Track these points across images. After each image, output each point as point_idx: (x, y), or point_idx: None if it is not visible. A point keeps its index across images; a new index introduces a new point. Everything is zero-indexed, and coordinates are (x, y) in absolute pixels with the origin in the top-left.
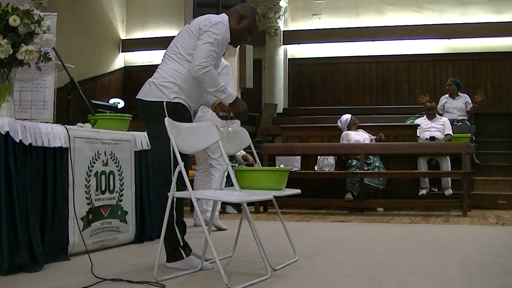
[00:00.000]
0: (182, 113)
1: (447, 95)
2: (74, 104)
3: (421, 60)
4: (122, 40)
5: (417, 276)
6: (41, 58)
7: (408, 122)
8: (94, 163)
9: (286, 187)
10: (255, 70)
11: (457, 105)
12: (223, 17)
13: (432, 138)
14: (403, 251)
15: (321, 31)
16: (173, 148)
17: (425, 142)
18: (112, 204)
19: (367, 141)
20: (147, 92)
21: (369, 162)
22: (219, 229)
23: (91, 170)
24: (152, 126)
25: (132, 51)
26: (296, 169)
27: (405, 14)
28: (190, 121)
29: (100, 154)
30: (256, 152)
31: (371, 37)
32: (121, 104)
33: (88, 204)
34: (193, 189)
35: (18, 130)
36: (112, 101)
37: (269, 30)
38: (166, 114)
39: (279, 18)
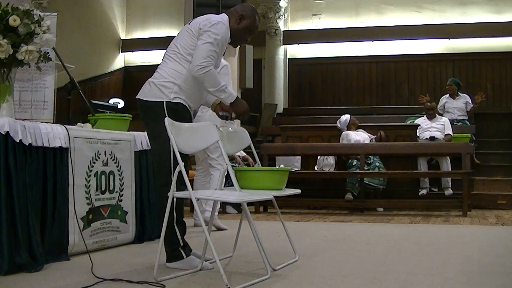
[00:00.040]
0: (182, 113)
1: (447, 95)
2: (74, 104)
3: (421, 60)
4: (122, 40)
5: (417, 276)
6: (41, 58)
7: (408, 122)
8: (94, 163)
9: (286, 187)
10: (255, 70)
11: (457, 105)
12: (223, 17)
13: (432, 138)
14: (403, 251)
15: (321, 31)
16: (173, 148)
17: (425, 142)
18: (112, 204)
19: (367, 141)
20: (147, 92)
21: (369, 162)
22: (219, 229)
23: (91, 170)
24: (152, 126)
25: (132, 51)
26: (296, 169)
27: (405, 14)
28: (190, 121)
29: (100, 154)
30: (256, 152)
31: (371, 37)
32: (121, 104)
33: (88, 204)
34: (192, 189)
35: (18, 130)
36: (112, 101)
37: (269, 30)
38: (166, 114)
39: (279, 18)
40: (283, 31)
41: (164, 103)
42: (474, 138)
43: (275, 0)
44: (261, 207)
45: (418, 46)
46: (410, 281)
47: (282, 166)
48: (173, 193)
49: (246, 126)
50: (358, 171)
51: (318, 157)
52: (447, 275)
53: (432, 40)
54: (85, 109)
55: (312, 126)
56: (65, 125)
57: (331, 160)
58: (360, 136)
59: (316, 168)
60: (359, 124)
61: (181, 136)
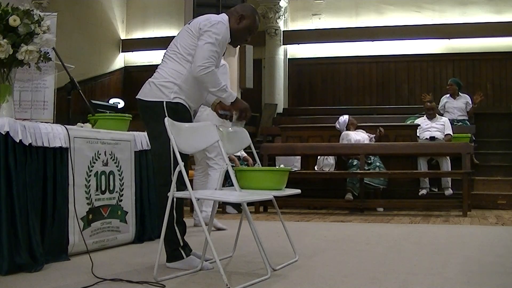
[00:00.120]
0: (182, 113)
1: (448, 95)
2: (74, 104)
3: (421, 60)
4: (122, 40)
5: (417, 276)
6: (41, 58)
7: (408, 122)
8: (94, 163)
9: (286, 187)
10: (255, 70)
11: (458, 105)
12: (223, 17)
13: (432, 138)
14: (403, 251)
15: (321, 31)
16: (173, 148)
17: (425, 142)
18: (112, 204)
19: (367, 141)
20: (147, 92)
21: (369, 162)
22: (218, 229)
23: (91, 170)
24: (152, 126)
25: (132, 51)
26: (296, 169)
27: (405, 14)
28: (190, 121)
29: (100, 154)
30: (256, 152)
31: (371, 37)
32: (121, 104)
33: (88, 204)
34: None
35: (18, 130)
36: (112, 101)
37: (269, 30)
38: (166, 114)
39: (279, 18)
40: (283, 31)
41: (164, 103)
42: (474, 138)
43: (275, 0)
44: (261, 207)
45: (418, 46)
46: (410, 281)
47: (282, 166)
48: (173, 193)
49: (246, 126)
50: (358, 171)
51: (318, 157)
52: (447, 275)
53: (432, 40)
54: (85, 109)
55: (312, 126)
56: (65, 125)
57: (331, 160)
58: (360, 136)
59: (316, 168)
60: (359, 124)
61: (181, 136)
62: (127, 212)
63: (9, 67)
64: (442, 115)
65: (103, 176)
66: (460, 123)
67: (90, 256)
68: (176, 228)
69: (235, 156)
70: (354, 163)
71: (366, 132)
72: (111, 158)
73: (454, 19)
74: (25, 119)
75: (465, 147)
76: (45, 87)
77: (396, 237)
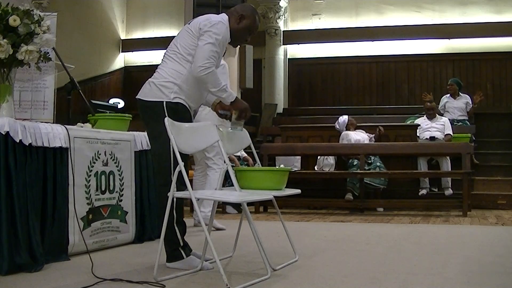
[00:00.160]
0: (182, 113)
1: (448, 95)
2: (74, 104)
3: (421, 60)
4: (122, 40)
5: (417, 276)
6: (41, 58)
7: (408, 122)
8: (94, 163)
9: (286, 187)
10: (255, 70)
11: (458, 105)
12: (223, 17)
13: (432, 138)
14: (403, 251)
15: (321, 31)
16: (173, 148)
17: (425, 142)
18: (112, 204)
19: (367, 141)
20: (147, 92)
21: (370, 162)
22: (217, 229)
23: (91, 170)
24: (152, 126)
25: (132, 51)
26: (296, 169)
27: (405, 14)
28: (190, 121)
29: (100, 154)
30: (256, 152)
31: (371, 37)
32: (121, 104)
33: (88, 204)
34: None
35: (18, 130)
36: (112, 101)
37: (269, 30)
38: (166, 114)
39: (279, 18)
40: (283, 31)
41: (164, 103)
42: (474, 138)
43: (275, 0)
44: (261, 207)
45: (418, 46)
46: (410, 281)
47: (282, 166)
48: (173, 193)
49: (246, 126)
50: (358, 171)
51: (318, 157)
52: (447, 275)
53: (432, 40)
54: (85, 109)
55: (312, 126)
56: (65, 125)
57: (331, 160)
58: (359, 136)
59: (316, 168)
60: (359, 124)
61: (181, 136)
62: (127, 212)
63: (9, 67)
64: (442, 115)
65: (103, 176)
66: (460, 123)
67: (90, 256)
68: (176, 228)
69: (235, 156)
70: (355, 163)
71: (366, 132)
72: (111, 158)
73: (454, 19)
74: (25, 119)
75: (465, 147)
76: (45, 87)
77: (396, 237)
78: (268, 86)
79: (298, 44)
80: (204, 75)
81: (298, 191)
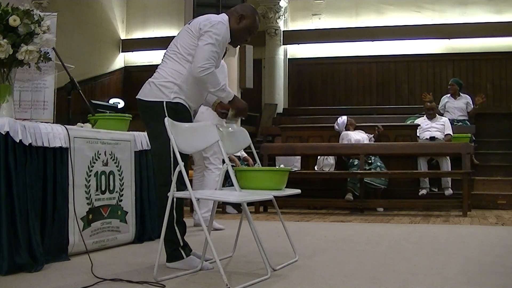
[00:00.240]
0: (182, 113)
1: (449, 94)
2: (74, 104)
3: (421, 60)
4: (122, 40)
5: (417, 276)
6: (41, 58)
7: (408, 122)
8: (94, 163)
9: (286, 187)
10: (255, 70)
11: (458, 105)
12: (223, 17)
13: (432, 138)
14: (403, 251)
15: (321, 31)
16: (173, 148)
17: (425, 142)
18: (112, 204)
19: (366, 141)
20: (147, 92)
21: (370, 162)
22: (216, 229)
23: (91, 170)
24: (152, 126)
25: (132, 51)
26: (296, 169)
27: (405, 14)
28: (190, 121)
29: (100, 154)
30: (256, 152)
31: (371, 37)
32: (121, 104)
33: (88, 204)
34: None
35: (18, 130)
36: (112, 101)
37: (269, 30)
38: (166, 114)
39: (279, 18)
40: (283, 31)
41: (164, 103)
42: (474, 138)
43: (275, 0)
44: (261, 207)
45: (418, 46)
46: (410, 281)
47: (282, 166)
48: (173, 193)
49: (246, 126)
50: (358, 171)
51: (318, 157)
52: (447, 275)
53: (432, 40)
54: (85, 109)
55: (312, 126)
56: (65, 125)
57: (331, 160)
58: (359, 136)
59: (316, 168)
60: (359, 124)
61: (181, 136)
62: (127, 212)
63: (9, 67)
64: (442, 115)
65: (103, 176)
66: (460, 123)
67: (89, 256)
68: (176, 228)
69: (235, 156)
70: (355, 163)
71: (366, 132)
72: (111, 158)
73: (454, 19)
74: (25, 119)
75: (465, 147)
76: (45, 87)
77: (396, 237)
78: (268, 86)
79: (298, 44)
80: (203, 76)
81: (298, 191)
